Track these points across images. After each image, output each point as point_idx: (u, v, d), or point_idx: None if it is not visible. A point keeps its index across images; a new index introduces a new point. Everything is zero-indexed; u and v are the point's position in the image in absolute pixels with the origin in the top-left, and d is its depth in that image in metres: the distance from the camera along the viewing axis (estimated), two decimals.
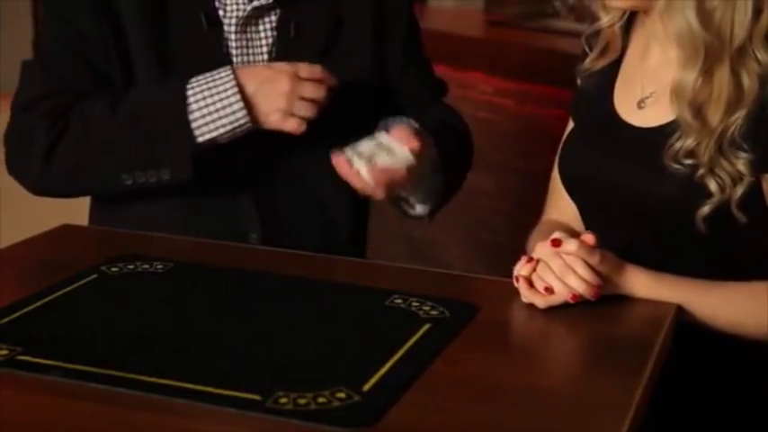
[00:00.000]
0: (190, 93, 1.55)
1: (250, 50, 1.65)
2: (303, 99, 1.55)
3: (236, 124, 1.56)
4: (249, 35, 1.64)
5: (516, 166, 3.11)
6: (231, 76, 1.55)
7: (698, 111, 1.40)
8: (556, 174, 1.62)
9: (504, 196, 3.14)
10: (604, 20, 1.54)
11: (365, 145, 1.49)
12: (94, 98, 1.60)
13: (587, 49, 1.59)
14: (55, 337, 1.21)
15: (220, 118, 1.55)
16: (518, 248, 1.51)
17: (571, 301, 1.31)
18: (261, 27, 1.65)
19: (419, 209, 1.67)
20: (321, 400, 1.06)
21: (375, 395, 1.08)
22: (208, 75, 1.57)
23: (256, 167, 1.64)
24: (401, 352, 1.18)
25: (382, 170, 1.48)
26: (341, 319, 1.30)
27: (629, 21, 1.55)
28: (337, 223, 1.71)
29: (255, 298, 1.36)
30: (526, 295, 1.33)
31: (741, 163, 1.38)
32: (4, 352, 1.16)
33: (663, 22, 1.44)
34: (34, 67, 1.67)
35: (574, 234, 1.36)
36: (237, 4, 1.63)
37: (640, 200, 1.44)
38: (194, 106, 1.55)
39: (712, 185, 1.39)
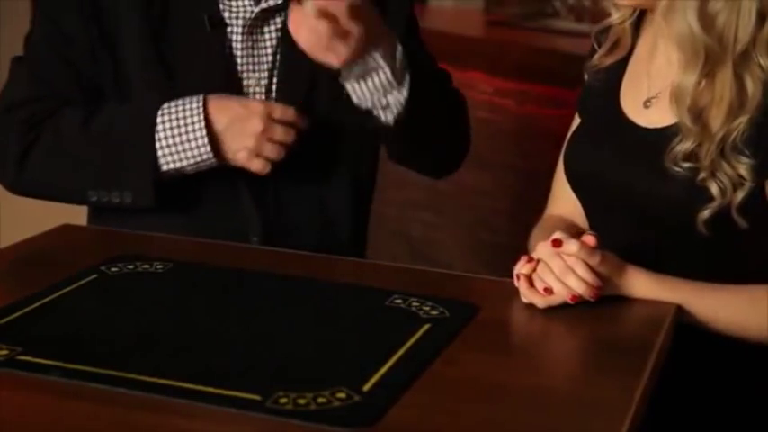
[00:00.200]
0: (159, 120, 1.55)
1: (254, 52, 1.64)
2: (272, 141, 1.55)
3: (199, 159, 1.56)
4: (255, 37, 1.64)
5: (516, 165, 3.10)
6: (200, 109, 1.55)
7: (698, 114, 1.39)
8: (560, 168, 1.61)
9: (503, 196, 3.13)
10: (615, 16, 1.53)
11: None
12: (72, 108, 1.60)
13: (596, 46, 1.58)
14: (55, 337, 1.21)
15: (185, 150, 1.55)
16: (518, 248, 1.51)
17: (570, 302, 1.31)
18: (266, 29, 1.65)
19: (382, 116, 1.52)
20: (321, 400, 1.06)
21: (375, 395, 1.08)
22: (180, 102, 1.56)
23: None
24: (401, 352, 1.18)
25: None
26: (341, 319, 1.30)
27: (639, 18, 1.54)
28: (337, 223, 1.71)
29: (255, 298, 1.36)
30: (526, 294, 1.32)
31: (743, 168, 1.38)
32: (4, 352, 1.16)
33: (666, 22, 1.43)
34: (21, 67, 1.67)
35: (576, 230, 1.36)
36: (244, 6, 1.63)
37: (643, 200, 1.44)
38: (161, 134, 1.55)
39: (713, 189, 1.38)
